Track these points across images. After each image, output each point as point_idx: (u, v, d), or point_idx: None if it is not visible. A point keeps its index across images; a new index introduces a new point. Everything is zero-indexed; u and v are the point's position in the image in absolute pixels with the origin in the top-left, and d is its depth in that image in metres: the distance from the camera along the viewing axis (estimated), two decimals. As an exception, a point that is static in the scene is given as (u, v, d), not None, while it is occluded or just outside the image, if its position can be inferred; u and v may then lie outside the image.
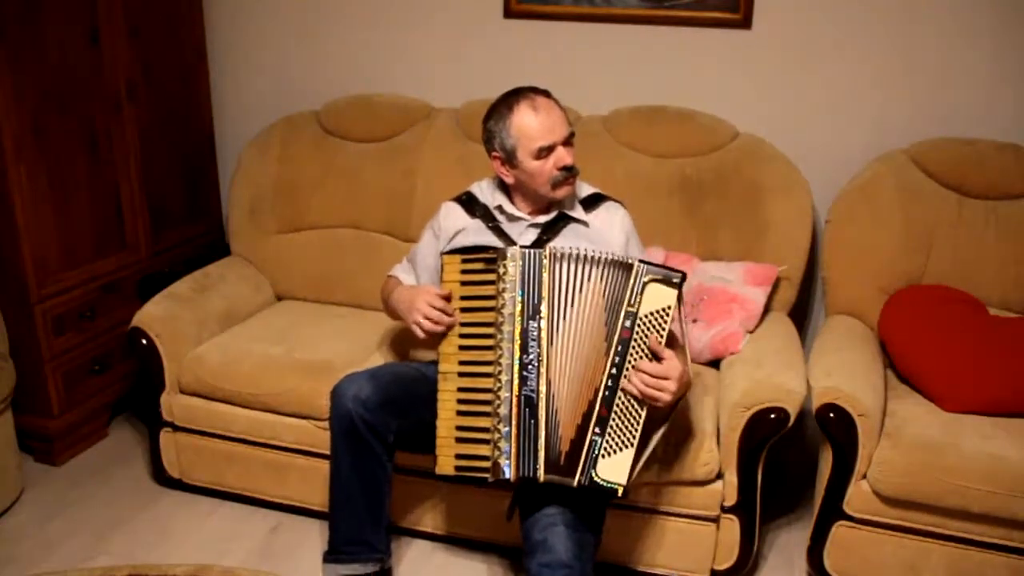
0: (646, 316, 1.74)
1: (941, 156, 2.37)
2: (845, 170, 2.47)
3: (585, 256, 1.79)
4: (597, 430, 1.74)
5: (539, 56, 2.72)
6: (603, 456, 1.74)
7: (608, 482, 1.74)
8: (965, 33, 2.39)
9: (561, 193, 1.99)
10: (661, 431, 1.82)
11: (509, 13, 2.71)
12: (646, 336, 1.74)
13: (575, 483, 1.75)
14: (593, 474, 1.74)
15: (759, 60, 2.55)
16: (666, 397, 1.73)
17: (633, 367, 1.74)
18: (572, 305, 1.78)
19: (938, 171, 2.37)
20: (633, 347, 1.74)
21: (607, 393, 1.75)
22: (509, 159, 1.97)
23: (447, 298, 1.88)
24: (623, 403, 1.75)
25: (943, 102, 2.45)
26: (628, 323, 1.74)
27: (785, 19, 2.50)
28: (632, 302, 1.75)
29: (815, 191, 2.44)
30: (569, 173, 1.96)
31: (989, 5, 2.35)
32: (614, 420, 1.75)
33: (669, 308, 1.74)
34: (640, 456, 1.77)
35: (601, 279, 1.77)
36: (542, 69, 2.68)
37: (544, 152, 1.93)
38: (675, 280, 1.75)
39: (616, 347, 1.75)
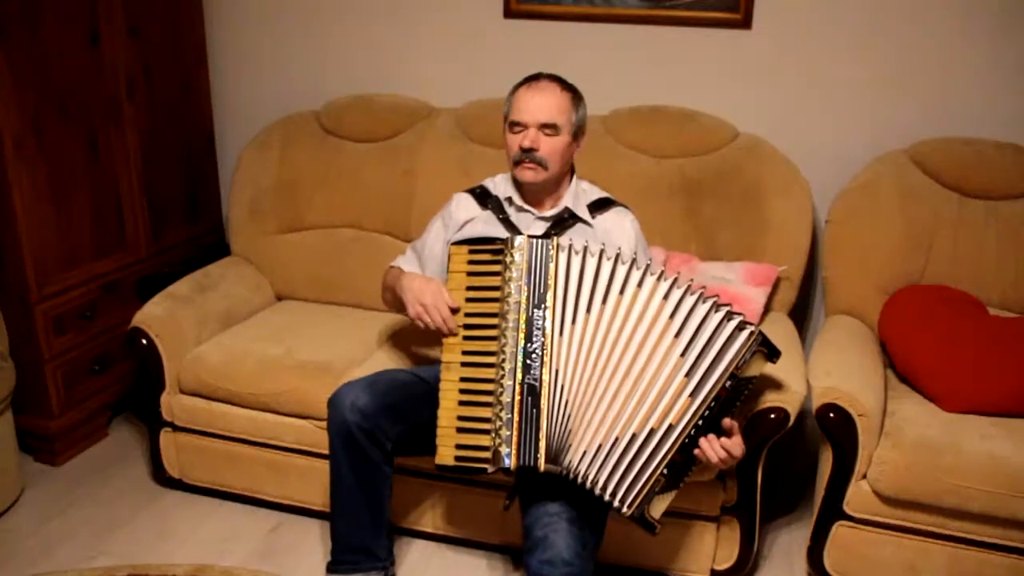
0: (743, 380, 1.74)
1: (941, 156, 2.37)
2: (845, 170, 2.47)
3: (635, 263, 1.79)
4: (666, 471, 1.72)
5: (539, 56, 2.71)
6: (659, 494, 1.73)
7: (654, 520, 1.73)
8: (965, 33, 2.39)
9: (522, 175, 1.97)
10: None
11: (509, 13, 2.71)
12: (736, 401, 1.74)
13: (627, 511, 1.72)
14: (645, 509, 1.72)
15: (759, 60, 2.56)
16: (723, 468, 1.78)
17: (716, 436, 1.73)
18: (605, 303, 1.77)
19: (938, 171, 2.37)
20: (723, 406, 1.73)
21: (687, 441, 1.72)
22: (504, 132, 2.01)
23: (455, 309, 1.86)
24: (690, 453, 1.74)
25: (943, 102, 2.45)
26: (729, 383, 1.71)
27: (785, 19, 2.51)
28: (739, 365, 1.71)
29: (815, 191, 2.44)
30: (527, 155, 1.94)
31: (989, 5, 2.36)
32: (684, 466, 1.74)
33: (755, 379, 1.76)
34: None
35: (665, 298, 1.75)
36: (542, 69, 2.67)
37: (515, 128, 1.96)
38: (776, 359, 1.77)
39: (709, 401, 1.71)
